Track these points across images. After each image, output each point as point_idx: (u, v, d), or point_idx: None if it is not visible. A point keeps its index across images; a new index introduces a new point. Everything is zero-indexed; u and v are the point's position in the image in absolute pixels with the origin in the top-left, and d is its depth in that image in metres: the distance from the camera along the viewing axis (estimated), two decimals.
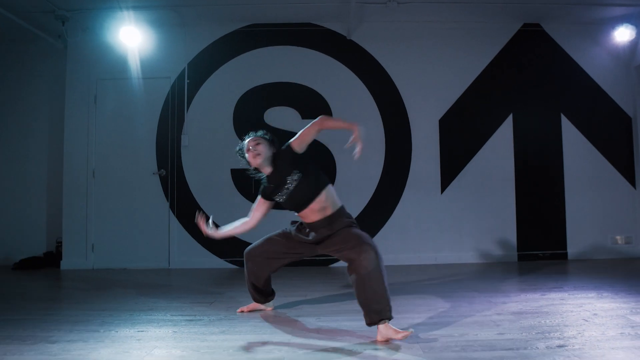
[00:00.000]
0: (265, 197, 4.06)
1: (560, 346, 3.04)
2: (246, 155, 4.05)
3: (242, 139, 4.23)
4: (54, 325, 3.81)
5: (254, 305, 4.33)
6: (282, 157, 3.92)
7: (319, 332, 3.57)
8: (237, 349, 3.17)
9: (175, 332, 3.62)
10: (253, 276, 4.22)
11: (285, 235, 4.10)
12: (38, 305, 4.74)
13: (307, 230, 3.91)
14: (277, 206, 4.10)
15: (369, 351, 3.08)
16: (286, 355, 3.02)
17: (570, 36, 7.34)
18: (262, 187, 4.11)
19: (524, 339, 3.22)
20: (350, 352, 3.06)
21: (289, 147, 3.90)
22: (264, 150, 3.98)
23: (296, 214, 3.94)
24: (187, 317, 4.06)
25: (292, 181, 3.82)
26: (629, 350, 2.93)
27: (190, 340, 3.40)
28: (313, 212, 3.81)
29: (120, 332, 3.63)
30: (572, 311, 4.01)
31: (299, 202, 3.84)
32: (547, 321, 3.69)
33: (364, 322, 3.39)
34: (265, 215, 4.16)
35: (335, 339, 3.38)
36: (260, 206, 4.11)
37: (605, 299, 4.42)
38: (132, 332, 3.63)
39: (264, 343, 3.31)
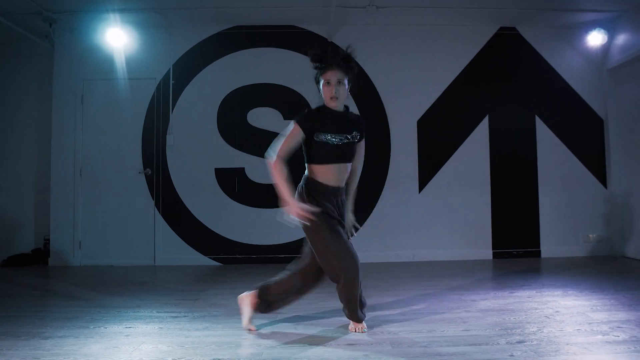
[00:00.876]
0: (305, 126, 3.49)
1: (519, 342, 3.28)
2: (321, 83, 3.57)
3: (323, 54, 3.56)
4: (46, 322, 4.00)
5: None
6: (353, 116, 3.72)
7: (296, 327, 3.79)
8: (220, 344, 3.39)
9: (161, 328, 3.82)
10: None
11: (329, 216, 3.55)
12: (29, 302, 4.93)
13: (326, 199, 3.53)
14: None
15: (342, 347, 3.29)
16: (264, 351, 3.22)
17: (545, 40, 7.54)
18: (305, 115, 3.55)
19: (487, 335, 3.45)
20: (324, 347, 3.28)
21: (364, 127, 3.77)
22: (344, 93, 3.56)
23: (319, 173, 3.53)
24: (173, 314, 4.25)
25: (353, 137, 3.58)
26: (581, 346, 3.17)
27: (175, 336, 3.61)
28: (344, 172, 3.59)
29: (109, 328, 3.83)
30: (536, 308, 4.24)
31: (346, 155, 3.57)
32: (512, 318, 3.92)
33: (341, 319, 3.64)
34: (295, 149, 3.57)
35: (312, 334, 3.61)
36: (292, 139, 3.49)
37: (569, 297, 4.66)
38: (120, 328, 3.83)
39: (244, 338, 3.51)
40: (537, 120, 7.49)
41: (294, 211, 3.36)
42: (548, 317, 3.92)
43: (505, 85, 7.53)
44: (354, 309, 3.59)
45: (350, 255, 3.46)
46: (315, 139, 3.47)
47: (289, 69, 7.38)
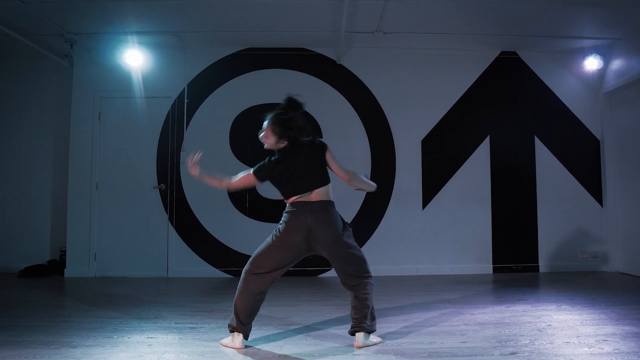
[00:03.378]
0: (259, 176, 3.89)
1: (512, 353, 3.53)
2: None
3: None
4: (72, 332, 4.21)
5: (235, 340, 3.83)
6: (307, 145, 3.94)
7: (306, 338, 4.06)
8: (236, 354, 3.64)
9: (181, 338, 4.05)
10: (253, 297, 3.84)
11: (286, 238, 3.77)
12: (51, 312, 5.13)
13: (301, 217, 3.75)
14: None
15: (348, 355, 3.55)
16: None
17: (544, 64, 7.86)
18: (263, 165, 3.91)
19: (483, 347, 3.70)
20: (332, 357, 3.53)
21: (322, 145, 3.99)
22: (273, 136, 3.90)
23: (290, 198, 3.82)
24: (190, 325, 4.48)
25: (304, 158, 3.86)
26: (568, 357, 3.43)
27: (195, 346, 3.84)
28: (316, 195, 3.79)
29: (132, 338, 4.06)
30: (530, 322, 4.49)
31: (306, 184, 3.81)
32: (507, 331, 4.17)
33: (347, 330, 3.91)
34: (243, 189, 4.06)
35: (319, 344, 3.85)
36: (247, 180, 3.94)
37: (562, 311, 4.92)
38: (142, 338, 4.06)
39: (259, 349, 3.77)
40: (536, 140, 7.78)
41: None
42: (540, 331, 4.17)
43: (506, 106, 7.83)
44: (235, 313, 3.87)
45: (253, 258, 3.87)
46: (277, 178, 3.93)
47: (299, 89, 7.40)
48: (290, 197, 3.80)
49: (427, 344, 3.84)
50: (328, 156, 3.92)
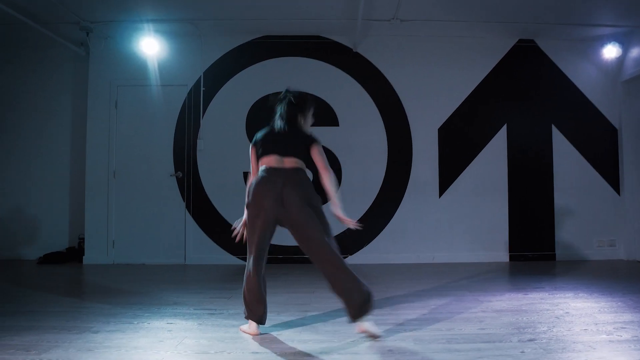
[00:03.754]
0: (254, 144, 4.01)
1: (530, 340, 3.54)
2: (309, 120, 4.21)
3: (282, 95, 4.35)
4: (92, 318, 4.26)
5: (251, 326, 3.85)
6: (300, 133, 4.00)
7: (325, 324, 4.08)
8: (255, 338, 3.67)
9: (200, 324, 4.08)
10: (253, 283, 3.86)
11: (257, 202, 3.78)
12: (71, 298, 5.17)
13: (272, 181, 3.75)
14: None
15: (368, 342, 3.56)
16: (298, 345, 3.50)
17: (562, 52, 7.81)
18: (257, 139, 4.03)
19: (501, 334, 3.71)
20: (351, 343, 3.55)
21: (313, 138, 3.96)
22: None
23: (264, 159, 3.86)
24: (209, 311, 4.51)
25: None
26: (586, 344, 3.43)
27: (214, 331, 3.86)
28: (290, 162, 3.83)
29: (152, 324, 4.09)
30: (547, 309, 4.49)
31: (286, 148, 3.86)
32: (524, 318, 4.17)
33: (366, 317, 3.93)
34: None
35: (338, 331, 3.87)
36: (252, 159, 4.00)
37: (579, 299, 4.90)
38: (162, 324, 4.09)
39: (278, 334, 3.79)
40: (554, 129, 7.75)
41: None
42: (558, 318, 4.17)
43: (523, 95, 7.79)
44: (245, 300, 3.90)
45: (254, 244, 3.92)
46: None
47: (315, 77, 7.65)
48: (264, 156, 3.86)
49: (446, 330, 3.85)
50: (314, 148, 3.91)
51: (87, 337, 3.70)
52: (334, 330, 3.91)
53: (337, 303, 4.75)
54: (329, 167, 3.92)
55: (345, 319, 3.83)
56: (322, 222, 3.77)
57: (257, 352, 3.37)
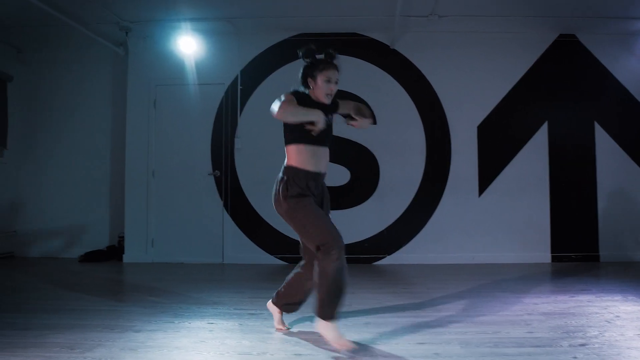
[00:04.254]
0: (298, 100, 3.62)
1: (582, 345, 3.44)
2: (318, 78, 3.71)
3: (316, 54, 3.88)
4: (134, 316, 4.31)
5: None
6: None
7: (367, 326, 4.03)
8: (298, 341, 3.64)
9: (241, 324, 4.08)
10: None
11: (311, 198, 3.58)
12: (113, 296, 5.26)
13: (308, 184, 3.58)
14: None
15: (412, 345, 3.50)
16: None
17: (605, 47, 7.60)
18: (296, 92, 3.77)
19: (551, 338, 3.62)
20: (395, 345, 3.50)
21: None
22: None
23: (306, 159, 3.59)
24: (250, 312, 4.50)
25: (327, 120, 3.59)
26: None
27: (256, 332, 3.86)
28: (326, 157, 3.70)
29: (193, 323, 4.11)
30: (597, 313, 4.36)
31: (328, 138, 3.69)
32: (573, 322, 4.06)
33: (408, 319, 3.87)
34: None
35: (382, 332, 3.82)
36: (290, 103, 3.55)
37: (629, 302, 4.75)
38: (203, 324, 4.11)
39: (321, 336, 3.75)
40: (596, 126, 7.56)
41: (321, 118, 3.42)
42: (609, 322, 4.04)
43: (564, 91, 7.61)
44: (334, 299, 3.39)
45: (336, 231, 3.46)
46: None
47: (351, 75, 7.49)
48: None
49: (492, 333, 3.78)
50: None
51: (130, 336, 3.73)
52: (376, 331, 3.87)
53: (377, 304, 4.76)
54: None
55: (389, 318, 3.79)
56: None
57: (300, 354, 3.35)
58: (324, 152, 3.67)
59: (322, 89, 3.68)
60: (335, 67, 3.74)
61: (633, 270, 6.68)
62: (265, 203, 7.44)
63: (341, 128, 7.36)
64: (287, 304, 3.96)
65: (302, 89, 3.83)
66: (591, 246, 7.50)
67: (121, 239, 7.84)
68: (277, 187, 3.60)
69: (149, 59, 7.79)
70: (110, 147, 8.16)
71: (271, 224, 7.52)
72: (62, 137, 8.19)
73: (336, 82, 3.72)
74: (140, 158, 7.73)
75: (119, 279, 6.58)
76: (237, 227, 7.60)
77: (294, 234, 7.30)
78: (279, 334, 3.82)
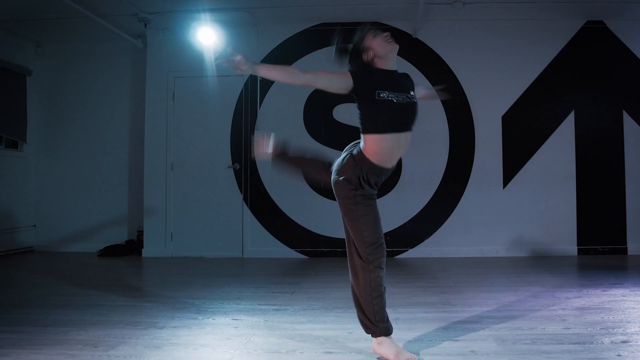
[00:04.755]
0: (360, 79, 3.02)
1: (624, 342, 3.28)
2: (374, 43, 3.12)
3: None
4: (157, 312, 4.22)
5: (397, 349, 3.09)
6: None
7: (397, 322, 3.90)
8: (327, 337, 3.51)
9: (266, 320, 3.96)
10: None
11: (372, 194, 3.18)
12: (134, 292, 5.16)
13: (374, 179, 3.16)
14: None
15: (446, 342, 3.37)
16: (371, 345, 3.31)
17: (634, 34, 7.39)
18: (359, 70, 3.15)
19: (589, 334, 3.46)
20: (428, 342, 3.37)
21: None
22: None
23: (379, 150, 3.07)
24: (274, 307, 4.39)
25: (412, 97, 3.11)
26: None
27: (282, 329, 3.73)
28: (404, 146, 3.16)
29: (217, 319, 4.01)
30: (633, 308, 4.20)
31: (411, 119, 3.13)
32: (610, 317, 3.90)
33: (438, 315, 3.74)
34: (324, 88, 3.12)
35: (413, 329, 3.68)
36: (334, 77, 3.04)
37: None
38: (227, 320, 4.00)
39: (350, 332, 3.63)
40: (625, 115, 7.36)
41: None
42: None
43: (592, 80, 7.42)
44: (378, 312, 3.08)
45: (382, 241, 3.11)
46: (376, 97, 2.96)
47: None
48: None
49: (527, 329, 3.62)
50: None
51: (153, 333, 3.64)
52: (407, 327, 3.72)
53: (405, 299, 4.64)
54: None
55: (418, 314, 3.67)
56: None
57: (330, 352, 3.23)
58: (406, 138, 3.13)
59: (382, 49, 3.11)
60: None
61: None
62: (286, 196, 7.44)
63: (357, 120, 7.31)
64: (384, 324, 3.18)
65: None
66: (619, 238, 7.32)
67: (140, 233, 7.79)
68: (345, 168, 3.15)
69: (167, 50, 7.71)
70: (129, 140, 8.10)
71: (291, 217, 7.43)
72: (81, 130, 8.15)
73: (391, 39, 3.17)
74: (159, 151, 7.66)
75: (138, 273, 6.52)
76: (256, 221, 7.52)
77: (314, 227, 7.29)
78: (306, 331, 3.69)
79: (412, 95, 3.10)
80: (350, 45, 3.23)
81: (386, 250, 3.15)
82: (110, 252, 7.58)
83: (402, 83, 3.13)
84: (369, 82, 3.02)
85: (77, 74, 8.17)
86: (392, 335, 3.13)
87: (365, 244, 3.06)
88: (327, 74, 3.03)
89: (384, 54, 3.12)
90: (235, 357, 3.12)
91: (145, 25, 7.34)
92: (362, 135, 3.13)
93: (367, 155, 3.08)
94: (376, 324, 3.06)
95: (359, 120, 3.13)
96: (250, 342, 3.43)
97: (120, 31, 7.50)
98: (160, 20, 7.37)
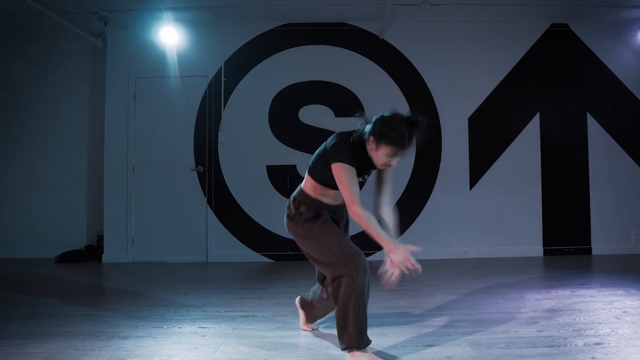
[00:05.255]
0: (352, 165, 3.11)
1: (597, 343, 3.27)
2: (388, 154, 3.07)
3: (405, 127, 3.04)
4: (119, 321, 4.04)
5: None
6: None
7: (369, 328, 3.81)
8: (298, 345, 3.43)
9: (234, 328, 3.83)
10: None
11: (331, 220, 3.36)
12: (94, 300, 5.00)
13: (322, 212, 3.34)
14: None
15: (421, 348, 3.31)
16: (342, 355, 3.19)
17: (597, 36, 7.48)
18: (347, 154, 3.12)
19: (562, 336, 3.45)
20: (402, 349, 3.30)
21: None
22: None
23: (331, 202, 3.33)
24: (242, 314, 4.27)
25: (366, 179, 3.37)
26: None
27: (251, 337, 3.61)
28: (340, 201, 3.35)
29: (183, 328, 3.86)
30: (603, 308, 4.22)
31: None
32: (582, 319, 3.90)
33: (411, 318, 3.70)
34: None
35: (386, 334, 3.61)
36: (354, 179, 3.13)
37: (633, 297, 4.63)
38: (194, 328, 3.86)
39: (321, 340, 3.54)
40: (589, 117, 7.44)
41: (401, 256, 2.98)
42: (618, 318, 3.90)
43: (557, 82, 7.48)
44: (363, 321, 3.07)
45: (356, 249, 3.17)
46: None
47: (340, 66, 7.41)
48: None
49: (501, 333, 3.59)
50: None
51: (117, 344, 3.48)
52: (381, 332, 3.65)
53: (378, 303, 4.56)
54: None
55: (391, 318, 3.61)
56: None
57: None
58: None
59: (378, 159, 3.15)
60: (406, 148, 3.09)
61: (627, 263, 6.62)
62: (251, 199, 7.32)
63: (330, 121, 7.25)
64: (313, 316, 3.78)
65: (360, 127, 3.23)
66: (583, 239, 7.40)
67: (100, 238, 7.56)
68: (290, 209, 3.36)
69: (128, 50, 7.49)
70: (88, 142, 7.82)
71: (257, 220, 7.32)
72: (38, 133, 7.83)
73: (399, 158, 3.15)
74: (120, 153, 7.44)
75: (99, 280, 6.30)
76: (221, 224, 7.36)
77: (280, 231, 7.18)
78: (276, 339, 3.57)
79: (367, 177, 3.40)
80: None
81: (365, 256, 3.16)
82: (68, 258, 7.31)
83: (368, 167, 3.29)
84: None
85: (32, 74, 7.86)
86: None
87: (339, 256, 3.12)
88: (354, 184, 3.12)
89: (377, 162, 3.18)
90: None
91: (106, 23, 7.14)
92: (307, 176, 3.35)
93: (306, 190, 3.32)
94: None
95: (314, 165, 3.30)
96: (219, 351, 3.30)
97: (79, 29, 7.28)
98: (120, 18, 7.17)
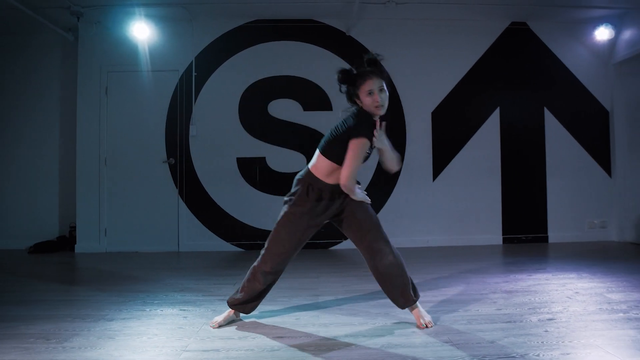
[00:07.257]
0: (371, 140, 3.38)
1: (550, 319, 3.60)
2: (360, 94, 3.38)
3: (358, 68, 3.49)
4: (103, 305, 4.20)
5: (230, 315, 3.73)
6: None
7: (341, 309, 4.07)
8: (276, 324, 3.65)
9: (214, 310, 4.02)
10: (265, 287, 3.68)
11: (307, 210, 3.54)
12: (75, 287, 5.15)
13: (327, 194, 3.52)
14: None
15: (389, 324, 3.59)
16: (320, 330, 3.48)
17: (554, 35, 7.81)
18: (368, 127, 3.36)
19: (519, 314, 3.77)
20: (374, 326, 3.56)
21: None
22: (386, 99, 3.46)
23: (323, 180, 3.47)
24: (220, 298, 4.43)
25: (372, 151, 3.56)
26: (606, 322, 3.51)
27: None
28: None
29: (165, 310, 4.05)
30: (556, 290, 4.56)
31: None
32: (536, 298, 4.24)
33: (376, 302, 3.97)
34: None
35: (358, 314, 3.88)
36: (363, 154, 3.38)
37: (584, 279, 4.97)
38: (175, 310, 4.05)
39: (297, 319, 3.77)
40: (546, 111, 7.78)
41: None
42: (570, 298, 4.23)
43: (516, 78, 7.80)
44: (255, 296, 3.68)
45: (289, 245, 3.66)
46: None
47: (308, 61, 7.60)
48: None
49: (463, 311, 3.89)
50: None
51: (104, 324, 3.65)
52: (350, 313, 3.93)
53: (343, 287, 4.81)
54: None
55: (362, 304, 3.86)
56: None
57: (281, 337, 3.36)
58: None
59: (368, 105, 3.36)
60: (374, 74, 3.39)
61: (581, 249, 6.96)
62: (221, 190, 7.49)
63: (299, 115, 7.46)
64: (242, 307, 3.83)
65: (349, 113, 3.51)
66: (540, 228, 7.75)
67: (72, 228, 7.65)
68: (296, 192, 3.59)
69: (100, 45, 7.57)
70: (60, 135, 7.89)
71: (227, 210, 7.49)
72: (10, 125, 7.89)
73: (381, 90, 3.37)
74: (92, 146, 7.53)
75: (75, 269, 6.39)
76: (192, 215, 7.52)
77: (250, 221, 7.37)
78: (256, 319, 3.79)
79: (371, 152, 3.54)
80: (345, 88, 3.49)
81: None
82: (41, 248, 7.38)
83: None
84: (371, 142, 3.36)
85: (5, 68, 7.91)
86: (328, 328, 3.49)
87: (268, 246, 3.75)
88: (359, 161, 3.35)
89: (370, 108, 3.40)
90: (190, 344, 3.20)
91: (78, 18, 7.22)
92: (319, 156, 3.47)
93: (316, 173, 3.49)
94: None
95: (329, 145, 3.44)
96: (202, 330, 3.52)
97: (51, 24, 7.35)
98: (93, 13, 7.24)
